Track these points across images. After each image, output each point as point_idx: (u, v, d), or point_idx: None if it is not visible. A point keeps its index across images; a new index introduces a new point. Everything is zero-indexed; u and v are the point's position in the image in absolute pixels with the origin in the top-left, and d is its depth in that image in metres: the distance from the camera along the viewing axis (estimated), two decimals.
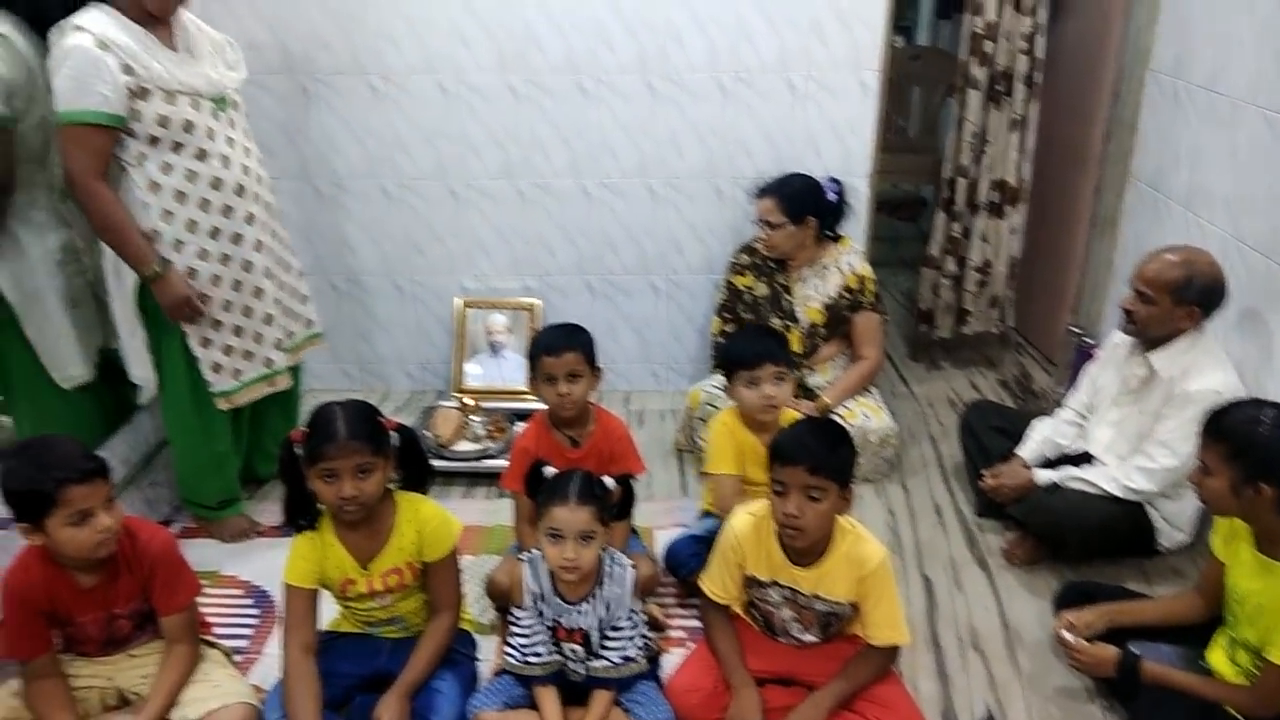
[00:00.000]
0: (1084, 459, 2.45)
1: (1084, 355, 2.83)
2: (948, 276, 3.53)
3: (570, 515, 1.78)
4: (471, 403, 3.09)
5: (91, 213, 2.18)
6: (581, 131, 3.11)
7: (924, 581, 2.45)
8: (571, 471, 1.88)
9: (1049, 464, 2.50)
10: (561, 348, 2.17)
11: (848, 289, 2.90)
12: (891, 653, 1.88)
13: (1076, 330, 3.16)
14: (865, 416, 2.81)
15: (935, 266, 3.54)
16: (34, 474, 1.69)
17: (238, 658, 2.11)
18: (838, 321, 2.93)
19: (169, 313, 2.29)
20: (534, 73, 3.04)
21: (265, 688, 1.95)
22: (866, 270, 2.94)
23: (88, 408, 2.47)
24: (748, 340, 2.39)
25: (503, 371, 3.27)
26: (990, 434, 2.71)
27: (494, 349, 3.29)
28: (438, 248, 3.28)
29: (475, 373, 3.28)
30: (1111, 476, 2.32)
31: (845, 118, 3.08)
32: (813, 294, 2.92)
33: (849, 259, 2.93)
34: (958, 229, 3.47)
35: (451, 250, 3.28)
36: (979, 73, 3.25)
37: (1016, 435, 2.61)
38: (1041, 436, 2.56)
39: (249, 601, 2.36)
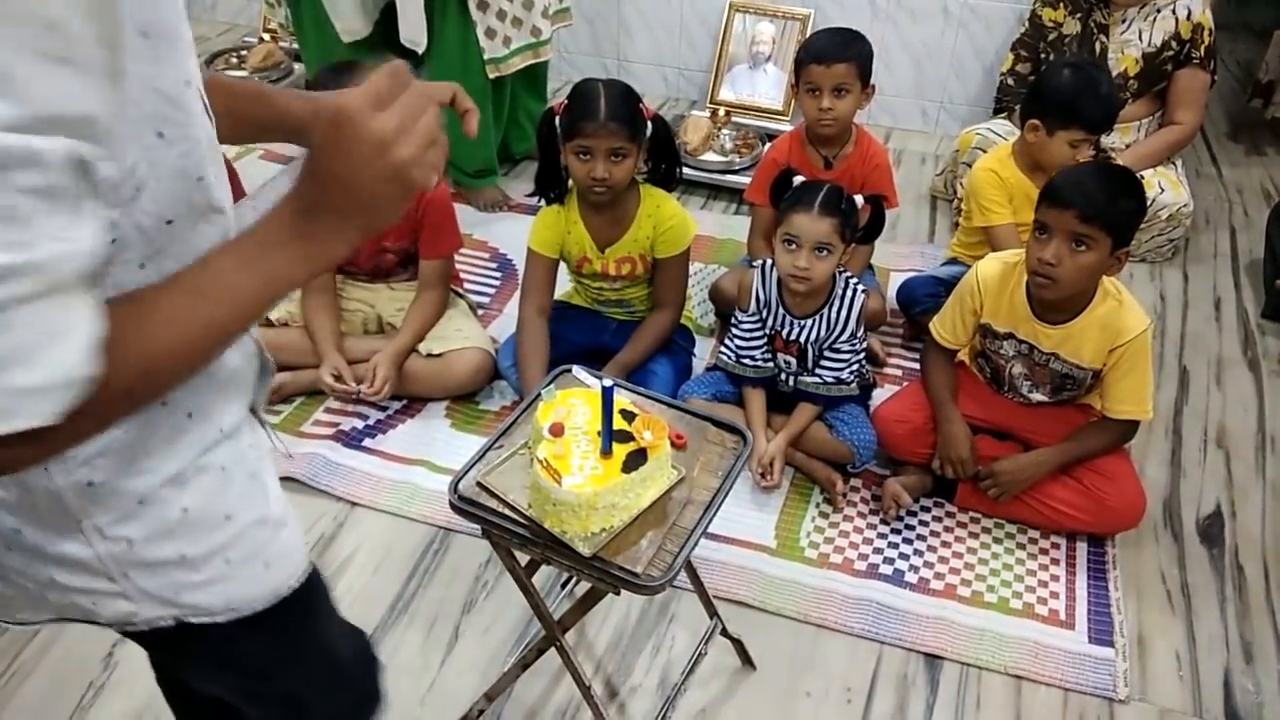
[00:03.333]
0: None
1: None
2: None
3: (810, 224, 1.71)
4: (724, 115, 3.00)
5: None
6: None
7: (1180, 372, 2.24)
8: (820, 181, 1.79)
9: None
10: (834, 57, 2.00)
11: (1178, 38, 2.46)
12: (1129, 429, 1.75)
13: None
14: (1161, 188, 2.48)
15: None
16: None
17: (480, 312, 2.29)
18: (1154, 77, 2.51)
19: None
20: None
21: (500, 340, 2.11)
22: (1206, 19, 2.47)
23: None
24: (1084, 82, 1.95)
25: (759, 87, 3.12)
26: None
27: (755, 60, 3.11)
28: None
29: (731, 86, 3.14)
30: None
31: None
32: (1134, 39, 2.50)
33: (1188, 2, 2.46)
34: None
35: None
36: None
37: None
38: None
39: (494, 265, 2.52)
